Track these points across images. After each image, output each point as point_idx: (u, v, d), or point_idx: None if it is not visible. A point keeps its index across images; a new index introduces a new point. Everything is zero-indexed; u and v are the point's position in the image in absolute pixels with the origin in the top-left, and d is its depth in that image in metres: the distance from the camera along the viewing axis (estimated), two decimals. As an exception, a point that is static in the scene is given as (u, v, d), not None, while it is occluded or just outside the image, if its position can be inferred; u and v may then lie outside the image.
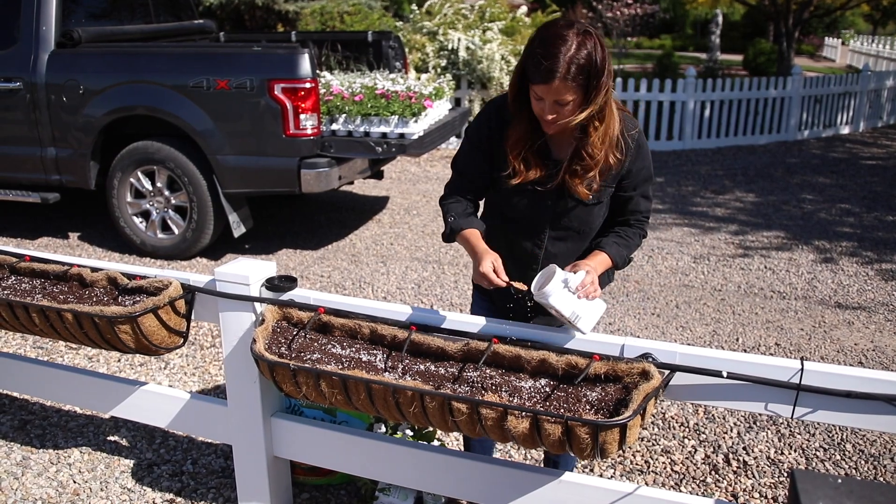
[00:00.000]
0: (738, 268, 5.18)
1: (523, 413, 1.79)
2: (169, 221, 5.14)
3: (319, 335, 2.21)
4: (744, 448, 3.02)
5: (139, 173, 5.07)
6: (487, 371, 2.01)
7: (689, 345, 3.95)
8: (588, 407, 1.88)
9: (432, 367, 2.06)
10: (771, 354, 3.87)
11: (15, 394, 3.33)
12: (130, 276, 2.44)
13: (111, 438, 3.04)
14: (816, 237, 5.88)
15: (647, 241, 5.73)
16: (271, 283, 2.26)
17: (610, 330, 4.14)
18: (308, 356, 2.09)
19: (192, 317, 2.41)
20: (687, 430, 3.13)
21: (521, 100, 1.97)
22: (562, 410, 1.87)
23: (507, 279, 1.95)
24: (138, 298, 2.38)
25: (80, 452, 2.93)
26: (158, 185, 5.06)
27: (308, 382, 2.00)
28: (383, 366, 2.07)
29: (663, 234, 5.92)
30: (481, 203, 2.27)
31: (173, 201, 5.08)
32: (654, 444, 3.04)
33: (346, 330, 2.17)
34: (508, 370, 2.02)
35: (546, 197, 2.06)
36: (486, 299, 2.34)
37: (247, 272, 2.24)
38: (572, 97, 1.83)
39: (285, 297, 2.25)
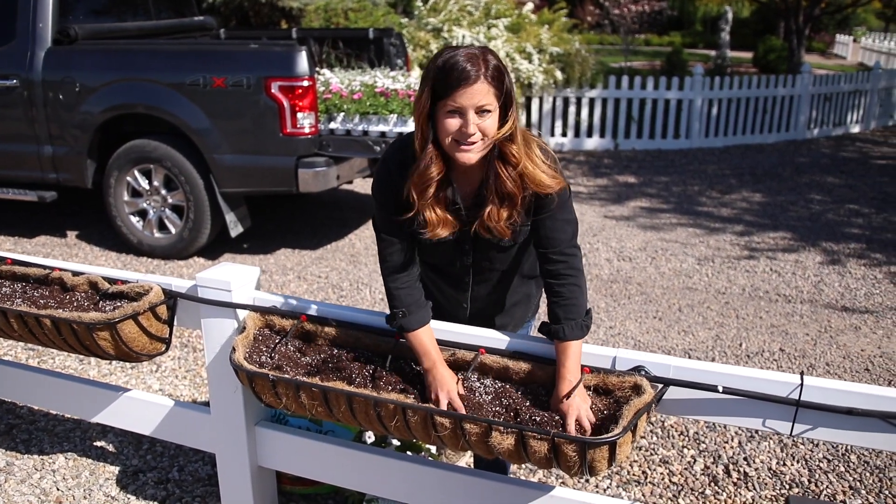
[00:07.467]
0: (743, 270, 5.08)
1: (508, 429, 1.72)
2: (166, 221, 5.09)
3: (303, 343, 2.14)
4: (745, 459, 2.93)
5: (136, 172, 5.01)
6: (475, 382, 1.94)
7: (690, 350, 3.90)
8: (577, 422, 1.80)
9: (418, 378, 1.99)
10: (774, 360, 3.78)
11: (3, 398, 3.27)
12: (112, 281, 2.38)
13: (98, 444, 2.98)
14: (824, 239, 5.77)
15: (651, 242, 5.64)
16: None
17: (611, 334, 4.06)
18: (289, 366, 2.03)
19: (175, 323, 2.35)
20: (686, 439, 3.05)
21: (428, 134, 1.77)
22: (549, 426, 1.79)
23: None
24: (119, 304, 2.31)
25: (66, 458, 2.88)
26: (155, 183, 5.00)
27: (288, 394, 1.94)
28: (367, 376, 2.00)
29: (667, 235, 5.83)
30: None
31: (170, 200, 5.03)
32: (652, 454, 2.96)
33: (330, 338, 2.11)
34: (495, 381, 1.95)
35: (464, 244, 1.95)
36: None
37: (229, 277, 2.17)
38: (495, 104, 1.70)
39: (268, 303, 2.18)
